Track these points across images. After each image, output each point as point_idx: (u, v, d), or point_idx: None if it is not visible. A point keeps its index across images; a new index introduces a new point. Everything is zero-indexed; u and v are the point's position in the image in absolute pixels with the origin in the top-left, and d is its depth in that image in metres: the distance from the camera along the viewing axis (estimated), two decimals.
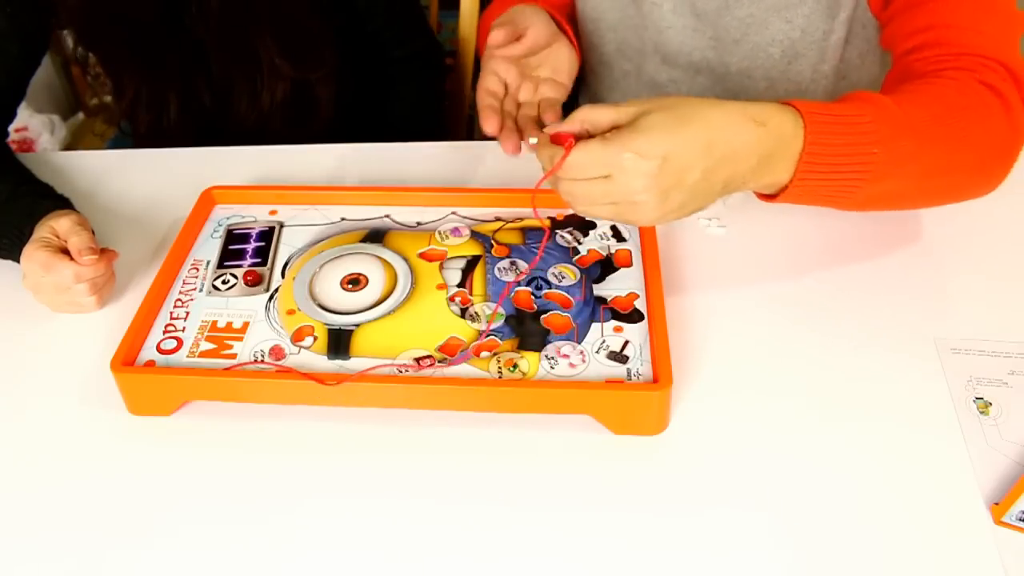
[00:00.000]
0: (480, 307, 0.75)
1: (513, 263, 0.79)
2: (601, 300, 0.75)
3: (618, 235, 0.82)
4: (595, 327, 0.73)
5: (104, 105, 2.08)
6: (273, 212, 0.86)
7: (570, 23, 0.97)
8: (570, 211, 0.83)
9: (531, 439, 0.67)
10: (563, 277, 0.77)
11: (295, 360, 0.71)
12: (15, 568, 0.61)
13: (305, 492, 0.65)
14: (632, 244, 0.80)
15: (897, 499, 0.62)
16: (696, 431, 0.68)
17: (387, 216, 0.85)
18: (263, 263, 0.80)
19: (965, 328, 0.74)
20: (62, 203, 0.85)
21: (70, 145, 1.99)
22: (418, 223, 0.84)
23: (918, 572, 0.58)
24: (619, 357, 0.70)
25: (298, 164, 0.98)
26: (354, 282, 0.77)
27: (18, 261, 0.79)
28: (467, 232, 0.82)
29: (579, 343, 0.71)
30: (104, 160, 1.02)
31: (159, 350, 0.72)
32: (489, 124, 0.75)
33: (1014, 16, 0.76)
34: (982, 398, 0.69)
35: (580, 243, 0.81)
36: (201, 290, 0.78)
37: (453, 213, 0.85)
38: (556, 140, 0.66)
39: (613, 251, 0.80)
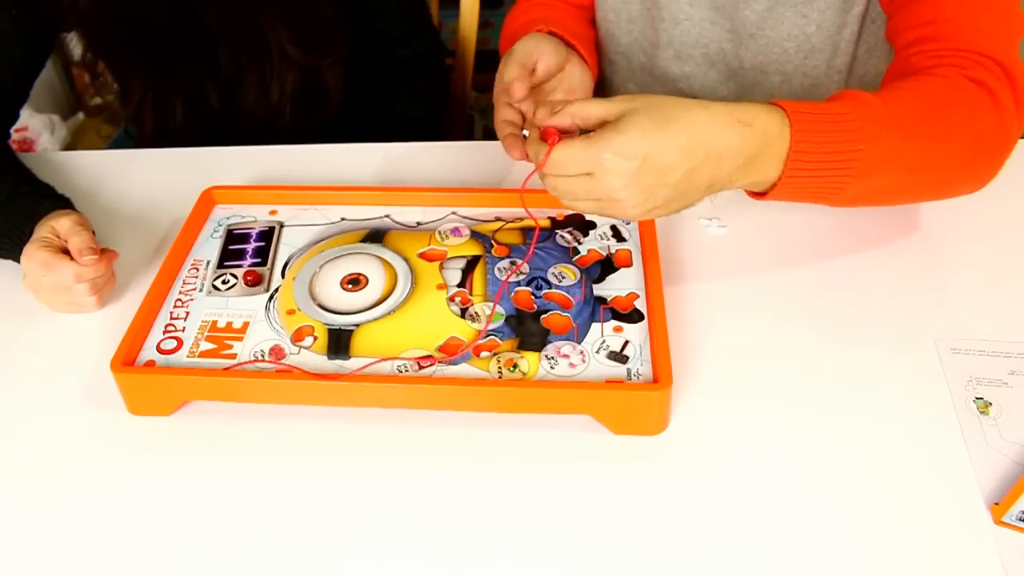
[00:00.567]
0: (480, 307, 0.75)
1: (513, 263, 0.79)
2: (601, 300, 0.75)
3: (618, 235, 0.82)
4: (595, 327, 0.73)
5: (105, 105, 2.08)
6: (273, 212, 0.86)
7: (591, 24, 0.98)
8: (570, 212, 0.83)
9: (531, 439, 0.67)
10: (563, 277, 0.77)
11: (295, 360, 0.71)
12: (15, 567, 0.61)
13: (305, 492, 0.65)
14: (632, 244, 0.80)
15: (897, 499, 0.62)
16: (696, 431, 0.68)
17: (387, 216, 0.85)
18: (263, 263, 0.80)
19: (965, 328, 0.74)
20: (63, 203, 0.85)
21: (70, 145, 1.99)
22: (418, 223, 0.84)
23: (918, 572, 0.58)
24: (619, 357, 0.70)
25: (298, 164, 0.98)
26: (354, 282, 0.77)
27: (18, 261, 0.79)
28: (467, 232, 0.82)
29: (579, 343, 0.71)
30: (104, 160, 1.01)
31: (159, 350, 0.72)
32: (515, 152, 0.75)
33: (1015, 16, 0.76)
34: (982, 398, 0.69)
35: (580, 243, 0.81)
36: (201, 290, 0.78)
37: (453, 213, 0.85)
38: (544, 135, 0.67)
39: (613, 251, 0.80)
